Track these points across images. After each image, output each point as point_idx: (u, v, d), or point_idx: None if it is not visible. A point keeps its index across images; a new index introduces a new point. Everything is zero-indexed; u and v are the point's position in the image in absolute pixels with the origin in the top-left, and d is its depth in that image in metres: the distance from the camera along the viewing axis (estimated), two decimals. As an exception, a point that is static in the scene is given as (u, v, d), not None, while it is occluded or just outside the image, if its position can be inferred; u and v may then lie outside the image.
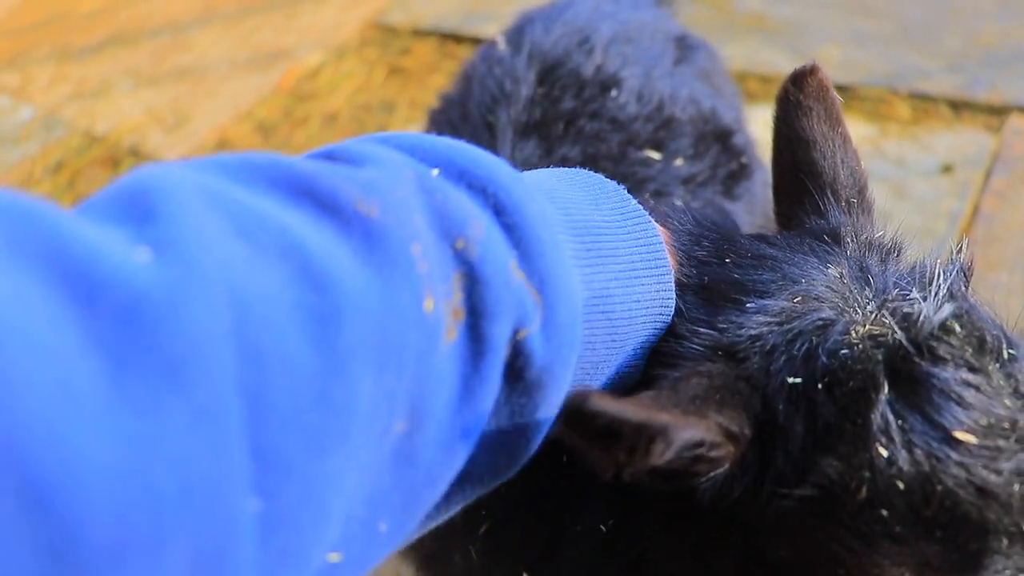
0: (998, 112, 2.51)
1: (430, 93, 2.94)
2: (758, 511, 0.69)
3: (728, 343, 0.70)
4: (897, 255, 0.78)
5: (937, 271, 0.73)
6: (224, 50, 3.37)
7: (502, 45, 1.35)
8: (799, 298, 0.71)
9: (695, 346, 0.72)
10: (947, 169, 2.36)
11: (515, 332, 0.59)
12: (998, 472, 0.65)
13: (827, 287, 0.72)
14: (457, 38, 3.18)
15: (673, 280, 0.74)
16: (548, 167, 1.15)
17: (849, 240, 0.77)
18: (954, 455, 0.64)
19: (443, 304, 0.56)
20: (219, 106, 3.08)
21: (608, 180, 0.76)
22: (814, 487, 0.66)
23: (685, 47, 1.44)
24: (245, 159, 0.55)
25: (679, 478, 0.68)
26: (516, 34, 1.36)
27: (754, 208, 1.34)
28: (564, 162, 1.17)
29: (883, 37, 2.84)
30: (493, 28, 3.11)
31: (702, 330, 0.72)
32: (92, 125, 3.09)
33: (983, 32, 2.81)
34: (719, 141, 1.30)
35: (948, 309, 0.70)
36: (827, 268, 0.74)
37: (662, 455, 0.63)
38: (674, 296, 0.74)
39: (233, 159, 0.56)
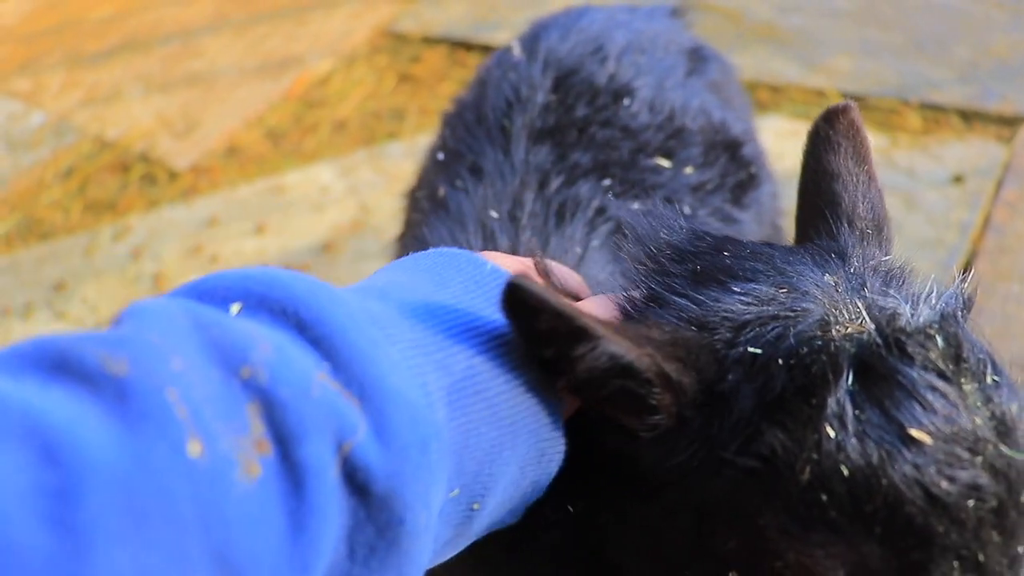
0: (1009, 123, 2.50)
1: (440, 101, 2.95)
2: (706, 488, 0.69)
3: (701, 314, 0.72)
4: (903, 279, 0.77)
5: (932, 286, 0.73)
6: (234, 57, 3.38)
7: (517, 51, 1.36)
8: (785, 288, 0.72)
9: (670, 316, 0.73)
10: (958, 179, 2.35)
11: (339, 447, 0.55)
12: (951, 480, 0.63)
13: (817, 286, 0.73)
14: (467, 46, 3.19)
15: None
16: (561, 172, 1.17)
17: (855, 260, 0.78)
18: (906, 452, 0.63)
19: (229, 442, 0.52)
20: (229, 112, 3.09)
21: (459, 251, 0.73)
22: (757, 458, 0.66)
23: (697, 59, 1.46)
24: (14, 349, 0.53)
25: (615, 408, 0.69)
26: (531, 41, 1.37)
27: (762, 217, 1.36)
28: (576, 168, 1.19)
29: (894, 47, 2.84)
30: (503, 36, 3.12)
31: (681, 301, 0.73)
32: (103, 131, 3.11)
33: (994, 43, 2.80)
34: (728, 151, 1.32)
35: (928, 315, 0.70)
36: (823, 274, 0.75)
37: (585, 361, 0.64)
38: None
39: (5, 352, 0.53)
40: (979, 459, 0.65)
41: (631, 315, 0.76)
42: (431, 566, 0.68)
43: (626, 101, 1.28)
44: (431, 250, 0.76)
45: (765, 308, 0.71)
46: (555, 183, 1.16)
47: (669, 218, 0.83)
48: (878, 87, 2.67)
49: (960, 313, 0.74)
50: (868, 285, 0.74)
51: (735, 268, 0.75)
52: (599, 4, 1.56)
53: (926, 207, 2.30)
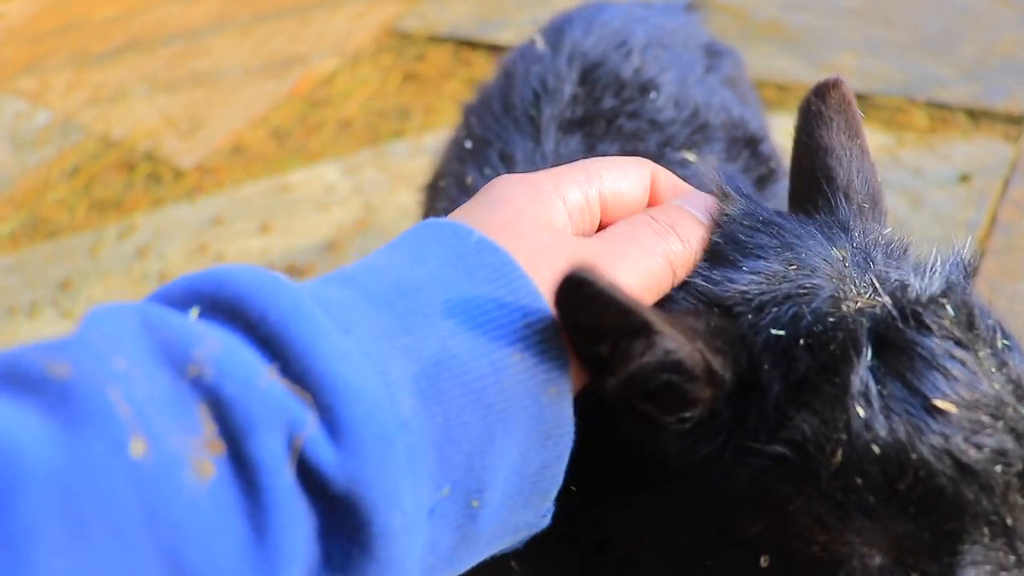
0: (1016, 121, 2.49)
1: (445, 100, 2.95)
2: (730, 477, 0.68)
3: (719, 295, 0.70)
4: (904, 252, 0.78)
5: (935, 256, 0.73)
6: (239, 56, 3.38)
7: (541, 44, 1.38)
8: (794, 265, 0.72)
9: (688, 296, 0.71)
10: (964, 178, 2.34)
11: (291, 442, 0.52)
12: (978, 447, 0.63)
13: (825, 261, 0.72)
14: (472, 45, 3.19)
15: (543, 300, 0.62)
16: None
17: (857, 234, 0.77)
18: (933, 424, 0.63)
19: (177, 441, 0.49)
20: (234, 112, 3.09)
21: (444, 222, 0.66)
22: (787, 444, 0.65)
23: (713, 54, 1.49)
24: None
25: (652, 403, 0.67)
26: (555, 34, 1.39)
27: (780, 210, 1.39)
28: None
29: (900, 45, 2.83)
30: (508, 35, 3.12)
31: (697, 281, 0.72)
32: (108, 130, 3.11)
33: (1001, 40, 2.79)
34: (749, 147, 1.34)
35: (939, 284, 0.70)
36: (831, 248, 0.74)
37: (641, 356, 0.62)
38: (550, 315, 0.62)
39: None
40: (1001, 423, 0.65)
41: None
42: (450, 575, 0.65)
43: (652, 95, 1.30)
44: (417, 224, 0.69)
45: (778, 287, 0.70)
46: None
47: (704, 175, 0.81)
48: (884, 85, 2.66)
49: (965, 280, 0.74)
50: (873, 258, 0.74)
51: (746, 243, 0.74)
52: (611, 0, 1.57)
53: (933, 206, 2.29)
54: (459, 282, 0.61)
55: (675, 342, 0.63)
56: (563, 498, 0.76)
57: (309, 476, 0.52)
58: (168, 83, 3.31)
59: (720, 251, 0.75)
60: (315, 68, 3.22)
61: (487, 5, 3.36)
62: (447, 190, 1.31)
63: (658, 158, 1.21)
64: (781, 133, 2.50)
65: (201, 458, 0.49)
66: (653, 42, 1.38)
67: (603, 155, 1.19)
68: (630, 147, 1.22)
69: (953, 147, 2.45)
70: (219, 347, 0.52)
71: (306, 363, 0.53)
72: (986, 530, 0.64)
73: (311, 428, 0.52)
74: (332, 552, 0.54)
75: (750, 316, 0.69)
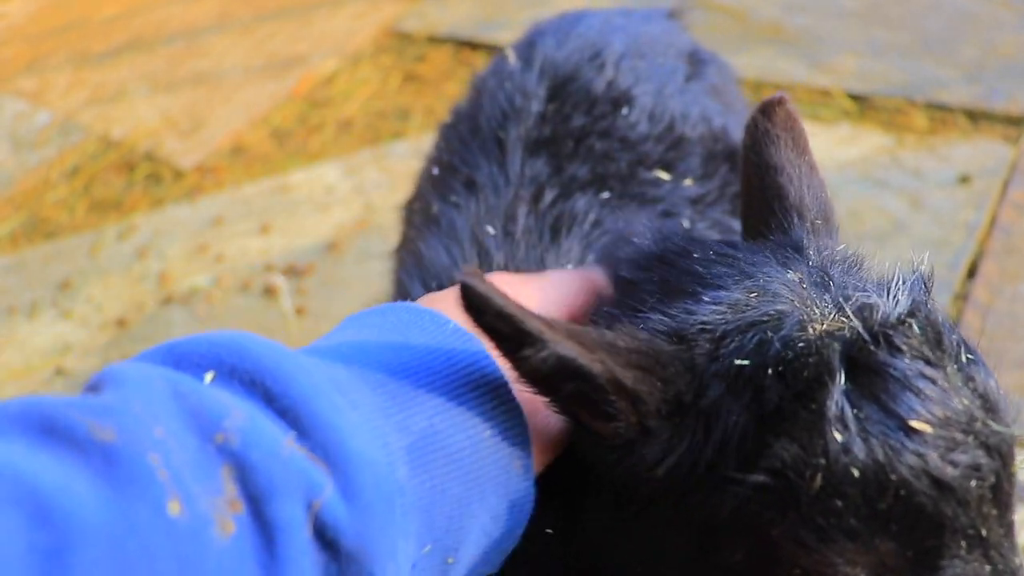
0: (1016, 123, 2.49)
1: (445, 100, 2.95)
2: (712, 506, 0.69)
3: (677, 327, 0.72)
4: (859, 267, 0.79)
5: (897, 275, 0.74)
6: (239, 56, 3.38)
7: (512, 58, 1.33)
8: (755, 293, 0.73)
9: (646, 329, 0.73)
10: (964, 180, 2.34)
11: (309, 506, 0.59)
12: (954, 464, 0.65)
13: (784, 285, 0.73)
14: (472, 45, 3.19)
15: (509, 386, 0.72)
16: (556, 185, 1.15)
17: (812, 252, 0.78)
18: (910, 444, 0.64)
19: (206, 502, 0.56)
20: (234, 112, 3.09)
21: (424, 309, 0.76)
22: (767, 473, 0.66)
23: (696, 62, 1.42)
24: (2, 410, 0.57)
25: (576, 408, 0.70)
26: (527, 47, 1.34)
27: None
28: (573, 181, 1.16)
29: (900, 47, 2.83)
30: (508, 36, 3.11)
31: (654, 316, 0.73)
32: (108, 130, 3.11)
33: (1001, 42, 2.79)
34: (728, 160, 1.29)
35: (905, 304, 0.71)
36: (786, 272, 0.75)
37: (531, 362, 0.66)
38: (515, 399, 0.72)
39: None
40: (972, 438, 0.66)
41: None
42: None
43: (624, 110, 1.25)
44: (398, 305, 0.77)
45: (741, 316, 0.71)
46: (549, 196, 1.13)
47: (637, 222, 0.84)
48: (884, 87, 2.66)
49: (925, 295, 0.75)
50: (831, 278, 0.74)
51: (704, 275, 0.75)
52: (601, 6, 1.54)
53: (932, 207, 2.29)
54: (440, 366, 0.71)
55: (569, 351, 0.66)
56: (541, 543, 0.77)
57: (323, 533, 0.60)
58: (168, 83, 3.31)
59: (679, 286, 0.75)
60: (315, 68, 3.22)
61: (487, 5, 3.36)
62: (415, 216, 1.30)
63: (629, 178, 1.18)
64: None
65: (224, 516, 0.56)
66: (630, 52, 1.32)
67: (572, 178, 1.17)
68: (600, 168, 1.18)
69: (953, 148, 2.45)
70: (243, 419, 0.59)
71: (324, 435, 0.61)
72: (963, 543, 0.66)
73: (328, 492, 0.60)
74: None
75: (708, 345, 0.70)
